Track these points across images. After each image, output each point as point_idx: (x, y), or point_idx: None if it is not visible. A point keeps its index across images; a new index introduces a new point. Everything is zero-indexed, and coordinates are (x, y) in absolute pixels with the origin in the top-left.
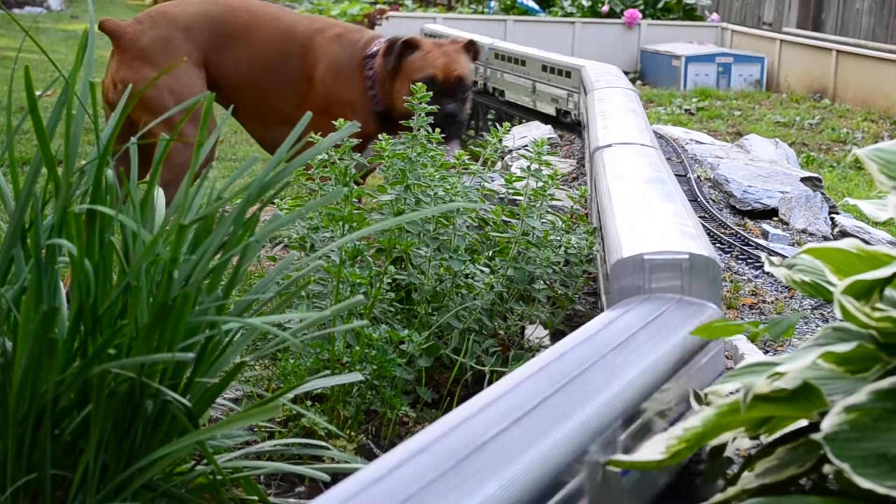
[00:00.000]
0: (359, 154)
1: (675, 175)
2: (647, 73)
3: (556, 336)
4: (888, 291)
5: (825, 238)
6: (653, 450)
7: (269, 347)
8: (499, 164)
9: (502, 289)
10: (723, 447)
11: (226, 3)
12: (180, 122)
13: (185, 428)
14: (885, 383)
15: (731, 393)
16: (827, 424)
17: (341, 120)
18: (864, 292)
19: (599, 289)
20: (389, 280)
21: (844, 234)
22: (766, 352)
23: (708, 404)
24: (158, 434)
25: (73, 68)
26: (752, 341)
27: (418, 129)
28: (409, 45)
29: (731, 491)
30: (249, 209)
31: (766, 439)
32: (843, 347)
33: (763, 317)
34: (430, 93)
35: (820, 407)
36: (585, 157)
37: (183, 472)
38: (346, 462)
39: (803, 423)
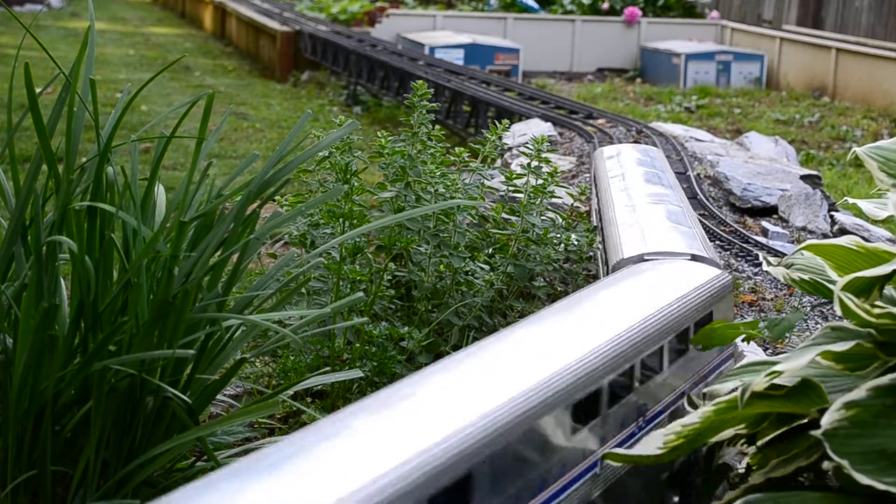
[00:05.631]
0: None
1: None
2: (647, 71)
3: None
4: (887, 289)
5: (825, 235)
6: (650, 445)
7: (269, 344)
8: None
9: (502, 286)
10: (718, 447)
11: None
12: (180, 120)
13: (186, 424)
14: (885, 380)
15: (732, 391)
16: (826, 420)
17: (341, 117)
18: (864, 289)
19: None
20: (389, 277)
21: (844, 231)
22: (766, 349)
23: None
24: (159, 430)
25: (74, 66)
26: (748, 342)
27: (418, 127)
28: None
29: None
30: (250, 206)
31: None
32: (841, 346)
33: (763, 314)
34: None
35: (820, 403)
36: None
37: (183, 469)
38: None
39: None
